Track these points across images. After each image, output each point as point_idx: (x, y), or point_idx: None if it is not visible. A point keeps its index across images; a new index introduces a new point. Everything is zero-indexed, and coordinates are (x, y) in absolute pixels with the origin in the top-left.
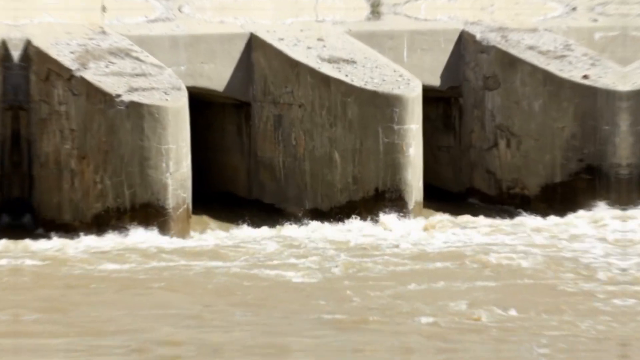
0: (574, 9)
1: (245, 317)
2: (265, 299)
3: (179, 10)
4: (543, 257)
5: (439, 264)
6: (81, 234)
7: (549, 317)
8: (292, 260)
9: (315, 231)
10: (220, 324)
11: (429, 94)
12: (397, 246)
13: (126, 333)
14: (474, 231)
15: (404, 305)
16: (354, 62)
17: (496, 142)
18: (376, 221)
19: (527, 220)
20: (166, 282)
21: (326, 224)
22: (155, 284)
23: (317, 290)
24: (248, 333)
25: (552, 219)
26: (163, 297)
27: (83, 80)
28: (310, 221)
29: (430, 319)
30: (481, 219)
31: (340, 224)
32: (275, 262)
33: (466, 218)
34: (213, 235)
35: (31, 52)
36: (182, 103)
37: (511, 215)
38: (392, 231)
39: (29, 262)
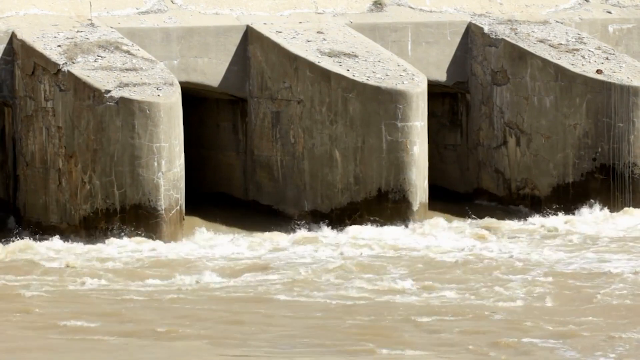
0: (587, 0)
1: None
2: None
3: (172, 1)
4: None
5: None
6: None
7: None
8: None
9: None
10: None
11: (434, 89)
12: None
13: None
14: None
15: None
16: (355, 56)
17: (505, 140)
18: None
19: None
20: None
21: None
22: None
23: None
24: None
25: None
26: None
27: (70, 75)
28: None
29: None
30: None
31: None
32: None
33: None
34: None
35: (16, 46)
36: (174, 99)
37: None
38: None
39: None
